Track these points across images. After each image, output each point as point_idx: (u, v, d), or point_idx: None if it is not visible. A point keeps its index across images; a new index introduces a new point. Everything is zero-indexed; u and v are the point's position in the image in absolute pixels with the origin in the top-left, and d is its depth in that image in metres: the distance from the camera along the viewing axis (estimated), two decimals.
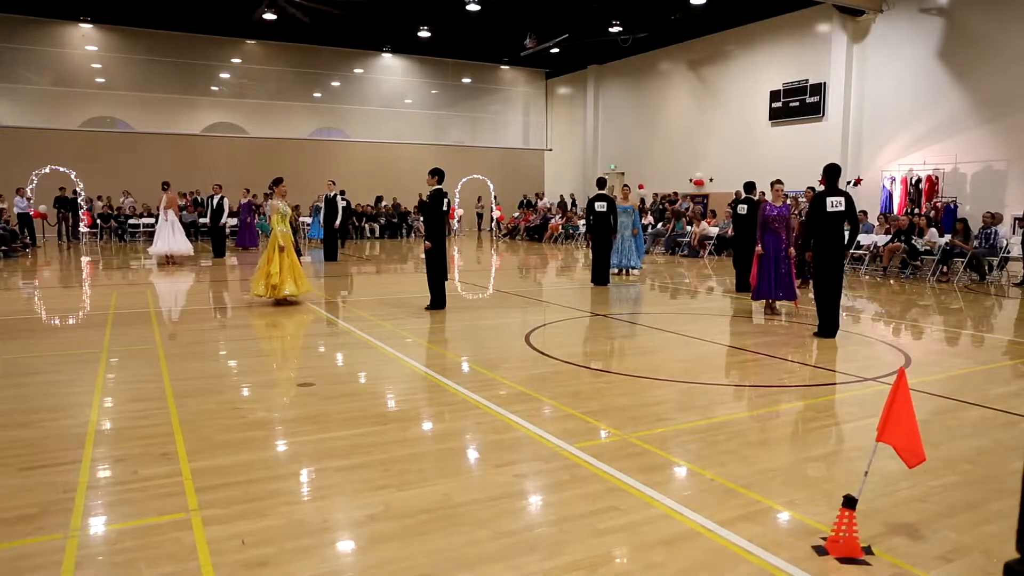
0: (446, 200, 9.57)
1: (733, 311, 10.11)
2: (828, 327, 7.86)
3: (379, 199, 27.71)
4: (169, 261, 15.93)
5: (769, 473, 3.94)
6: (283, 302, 9.94)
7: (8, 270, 14.94)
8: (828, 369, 6.59)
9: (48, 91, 25.14)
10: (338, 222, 17.62)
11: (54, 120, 24.77)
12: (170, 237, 15.82)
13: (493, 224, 29.25)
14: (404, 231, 27.46)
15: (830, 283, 7.80)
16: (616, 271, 13.86)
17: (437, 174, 9.52)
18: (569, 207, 27.62)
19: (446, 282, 9.76)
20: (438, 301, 9.64)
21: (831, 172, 7.85)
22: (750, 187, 12.34)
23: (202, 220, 23.30)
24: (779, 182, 9.74)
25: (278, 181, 10.31)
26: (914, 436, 3.10)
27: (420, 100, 31.31)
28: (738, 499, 3.59)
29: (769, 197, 10.01)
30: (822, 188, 8.08)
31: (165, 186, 16.39)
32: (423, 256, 9.83)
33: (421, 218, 20.23)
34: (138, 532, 3.21)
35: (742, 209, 12.07)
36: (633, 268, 14.04)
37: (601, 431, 4.66)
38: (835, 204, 7.70)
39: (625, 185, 15.46)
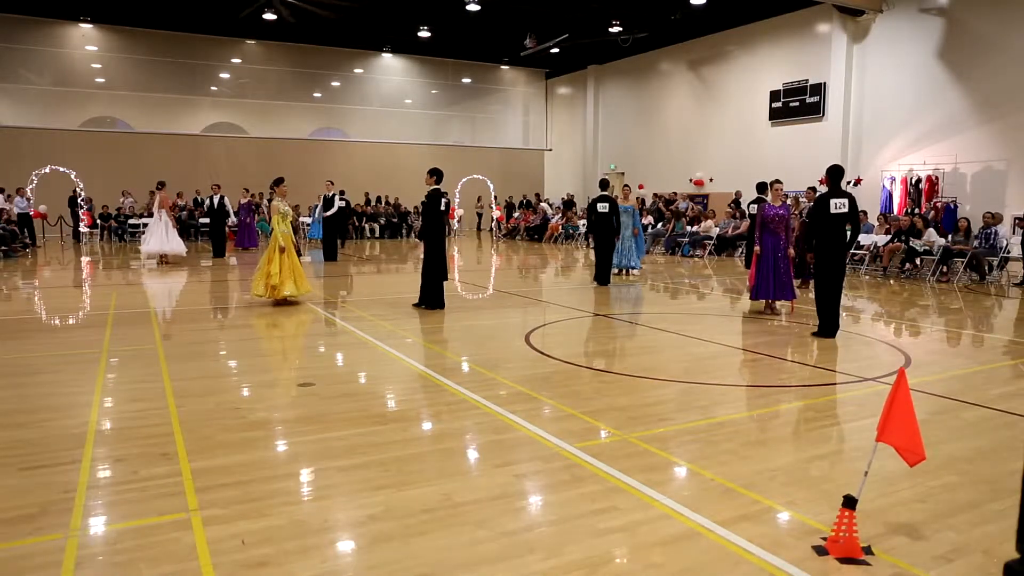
0: (444, 200, 9.57)
1: (733, 311, 10.11)
2: (828, 327, 7.86)
3: (375, 200, 27.70)
4: (163, 261, 16.02)
5: (769, 473, 3.94)
6: (283, 302, 9.94)
7: (8, 270, 14.94)
8: (828, 369, 6.59)
9: (48, 91, 25.13)
10: (330, 212, 17.66)
11: (54, 120, 24.76)
12: (163, 237, 15.83)
13: (493, 224, 29.25)
14: (404, 231, 27.47)
15: (831, 284, 7.80)
16: (616, 271, 13.86)
17: (436, 174, 9.53)
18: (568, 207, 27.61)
19: (444, 282, 9.76)
20: (436, 301, 9.63)
21: (834, 173, 7.84)
22: (763, 187, 12.26)
23: (203, 220, 23.31)
24: (778, 182, 9.74)
25: (279, 181, 10.30)
26: (914, 436, 3.10)
27: (420, 100, 31.31)
28: (738, 499, 3.59)
29: (769, 197, 10.02)
30: (824, 189, 8.08)
31: (160, 186, 16.39)
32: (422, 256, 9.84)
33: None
34: (138, 532, 3.21)
35: (755, 209, 12.14)
36: (633, 268, 14.06)
37: (601, 431, 4.66)
38: (839, 206, 7.69)
39: (626, 185, 15.44)
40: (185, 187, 24.60)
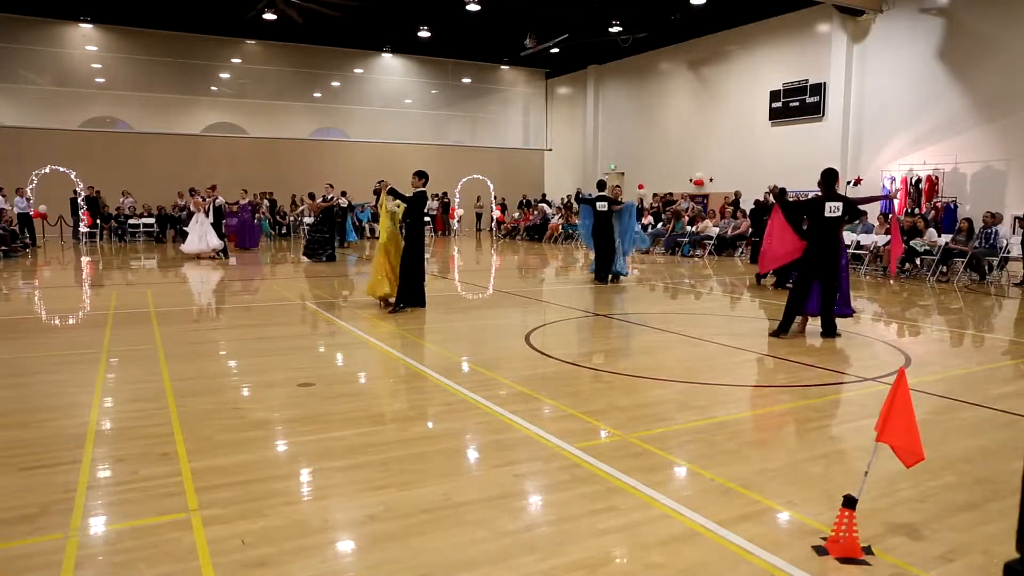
0: (427, 202, 9.59)
1: (733, 311, 10.10)
2: (785, 326, 7.91)
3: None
4: (200, 258, 16.99)
5: (769, 473, 3.94)
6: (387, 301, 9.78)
7: (8, 270, 14.93)
8: (828, 369, 6.59)
9: (48, 91, 25.13)
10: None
11: (54, 120, 24.75)
12: (204, 235, 17.20)
13: (493, 224, 29.24)
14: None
15: (827, 285, 7.84)
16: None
17: (423, 176, 9.58)
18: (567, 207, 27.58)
19: (424, 282, 9.76)
20: (419, 300, 9.63)
21: (828, 177, 7.82)
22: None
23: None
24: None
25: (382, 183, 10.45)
26: (914, 436, 3.10)
27: (420, 100, 31.30)
28: (738, 499, 3.59)
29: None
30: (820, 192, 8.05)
31: (193, 192, 17.98)
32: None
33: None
34: (138, 532, 3.21)
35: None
36: (621, 274, 12.94)
37: (601, 431, 4.66)
38: (833, 209, 7.68)
39: (616, 185, 15.09)
40: (185, 187, 24.59)
